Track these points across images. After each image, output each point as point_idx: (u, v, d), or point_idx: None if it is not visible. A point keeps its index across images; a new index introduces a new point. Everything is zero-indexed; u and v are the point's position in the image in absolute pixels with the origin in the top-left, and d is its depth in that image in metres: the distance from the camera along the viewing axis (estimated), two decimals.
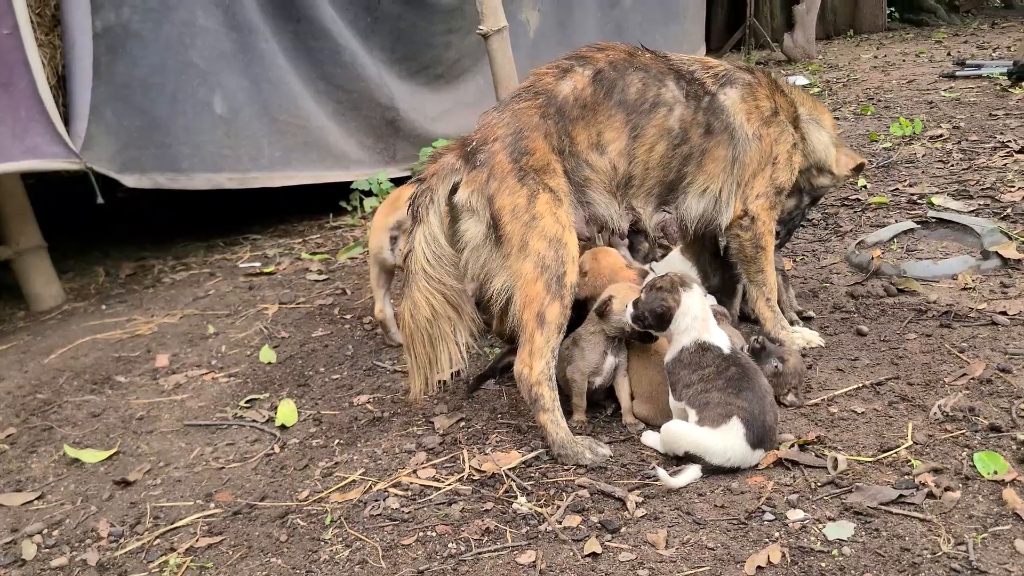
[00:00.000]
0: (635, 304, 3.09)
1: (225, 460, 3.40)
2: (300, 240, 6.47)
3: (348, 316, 4.73)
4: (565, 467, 3.04)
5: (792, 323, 3.77)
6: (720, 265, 3.89)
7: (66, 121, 5.23)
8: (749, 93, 3.44)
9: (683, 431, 2.91)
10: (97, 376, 4.33)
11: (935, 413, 3.03)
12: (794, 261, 4.57)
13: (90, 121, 5.27)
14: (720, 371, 2.92)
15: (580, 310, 3.38)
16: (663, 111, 3.28)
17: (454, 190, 3.16)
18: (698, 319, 3.01)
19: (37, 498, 3.28)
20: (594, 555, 2.55)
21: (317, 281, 5.42)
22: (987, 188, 5.25)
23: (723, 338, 3.02)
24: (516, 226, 3.06)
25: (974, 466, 2.71)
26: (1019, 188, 5.14)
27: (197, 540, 2.88)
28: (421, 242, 3.17)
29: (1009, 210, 4.80)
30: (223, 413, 3.79)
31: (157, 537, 2.93)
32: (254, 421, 3.67)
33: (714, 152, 3.38)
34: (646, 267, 3.73)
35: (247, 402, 3.86)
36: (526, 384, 3.11)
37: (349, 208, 6.85)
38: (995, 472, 2.67)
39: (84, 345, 4.77)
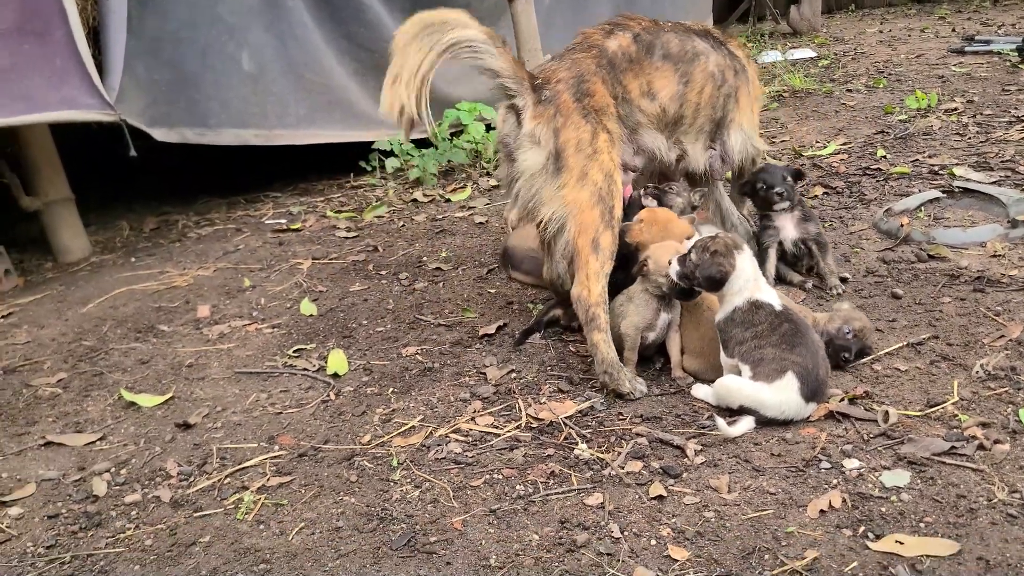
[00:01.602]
0: (681, 261, 3.17)
1: (282, 406, 3.48)
2: (322, 199, 6.51)
3: (383, 272, 4.80)
4: (621, 416, 3.14)
5: (833, 288, 3.90)
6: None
7: (100, 73, 5.24)
8: (739, 43, 4.06)
9: (739, 385, 3.01)
10: (140, 325, 4.39)
11: (977, 372, 3.15)
12: (823, 227, 4.66)
13: (124, 74, 5.28)
14: (774, 327, 3.01)
15: (630, 265, 3.48)
16: (703, 59, 3.71)
17: (518, 119, 3.40)
18: (751, 280, 3.10)
19: (99, 439, 3.36)
20: (659, 498, 2.66)
21: (347, 238, 5.47)
22: (1007, 160, 5.35)
23: (773, 295, 3.12)
24: (579, 158, 3.33)
25: (1020, 421, 2.83)
26: None
27: (268, 479, 2.97)
28: None
29: None
30: (272, 362, 3.87)
31: (227, 476, 3.02)
32: (305, 369, 3.75)
33: (741, 89, 3.91)
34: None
35: (295, 352, 3.93)
36: (584, 305, 3.32)
37: (369, 168, 6.89)
38: None
39: (122, 295, 4.81)
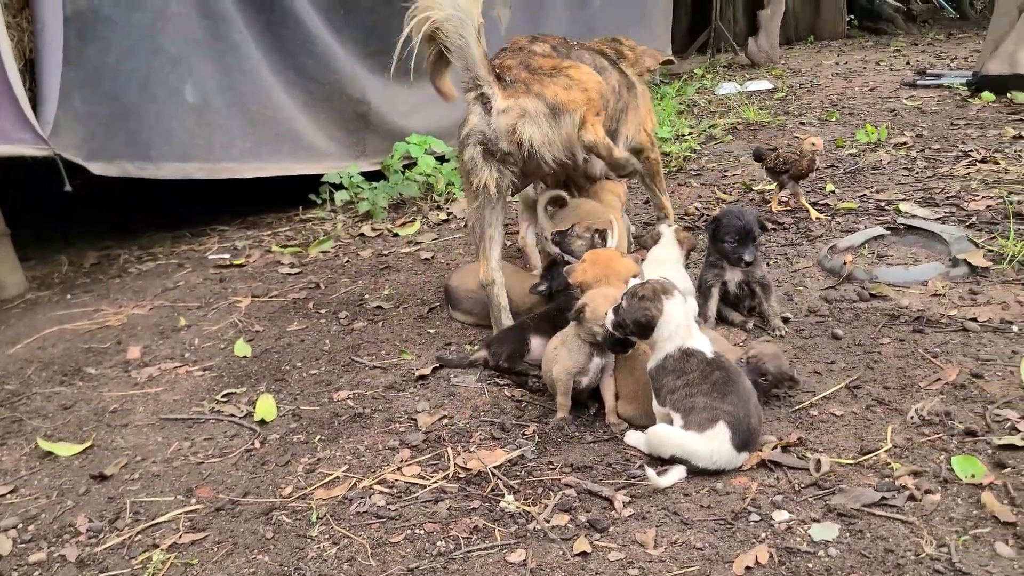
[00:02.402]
0: (615, 311, 3.11)
1: (204, 455, 3.36)
2: (269, 232, 6.40)
3: (323, 310, 4.69)
4: (551, 464, 3.05)
5: (776, 329, 3.86)
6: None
7: (33, 106, 5.12)
8: (631, 63, 4.52)
9: (669, 435, 2.94)
10: (67, 367, 4.24)
11: (912, 417, 3.11)
12: (768, 264, 4.63)
13: (58, 107, 5.16)
14: (705, 376, 2.95)
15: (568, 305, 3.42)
16: (607, 74, 4.09)
17: (485, 106, 3.69)
18: (681, 326, 3.04)
19: (10, 491, 3.21)
20: (584, 554, 2.57)
21: (290, 274, 5.36)
22: (952, 196, 5.37)
23: (705, 343, 3.06)
24: (571, 94, 3.70)
25: (952, 469, 2.78)
26: (983, 197, 5.26)
27: (180, 536, 2.84)
28: None
29: (974, 218, 4.91)
30: (199, 407, 3.74)
31: (138, 533, 2.89)
32: (232, 416, 3.63)
33: (631, 105, 4.33)
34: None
35: (224, 396, 3.81)
36: (598, 139, 3.78)
37: (319, 201, 6.79)
38: (973, 476, 2.74)
39: (51, 335, 4.67)
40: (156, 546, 2.80)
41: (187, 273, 5.61)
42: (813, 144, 5.17)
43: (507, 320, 3.97)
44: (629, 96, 4.30)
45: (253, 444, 3.39)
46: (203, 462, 3.31)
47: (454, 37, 3.53)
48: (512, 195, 4.13)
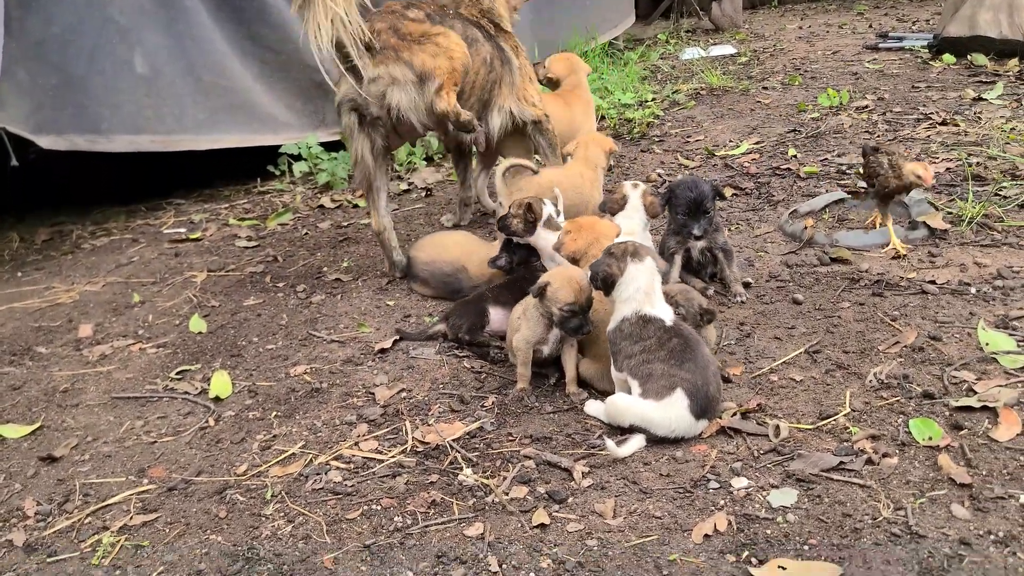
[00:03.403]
0: (591, 266, 3.09)
1: (157, 434, 3.29)
2: (227, 205, 6.28)
3: (281, 284, 4.61)
4: (510, 436, 3.02)
5: (737, 295, 3.84)
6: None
7: None
8: (509, 35, 4.59)
9: (627, 404, 2.91)
10: (16, 347, 4.14)
11: (871, 381, 3.10)
12: (729, 230, 4.61)
13: (2, 80, 5.00)
14: (662, 343, 2.92)
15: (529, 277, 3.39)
16: (479, 46, 4.26)
17: (356, 76, 3.88)
18: (641, 291, 3.00)
19: None
20: (542, 526, 2.55)
21: (247, 248, 5.26)
22: (912, 159, 5.36)
23: (666, 311, 3.02)
24: (439, 60, 3.92)
25: (910, 432, 2.78)
26: (942, 159, 5.26)
27: (131, 518, 2.78)
28: None
29: (934, 181, 4.91)
30: (153, 385, 3.66)
31: (88, 515, 2.83)
32: (186, 393, 3.56)
33: (505, 78, 4.48)
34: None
35: (178, 374, 3.74)
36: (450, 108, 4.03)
37: (277, 173, 6.67)
38: (930, 438, 2.74)
39: (0, 314, 4.55)
40: (106, 528, 2.74)
41: (142, 248, 5.49)
42: (917, 176, 4.09)
43: (399, 258, 4.38)
44: (503, 69, 4.46)
45: (207, 422, 3.33)
46: (156, 441, 3.24)
47: (323, 21, 3.69)
48: (388, 152, 4.35)
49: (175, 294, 4.63)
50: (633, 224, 3.95)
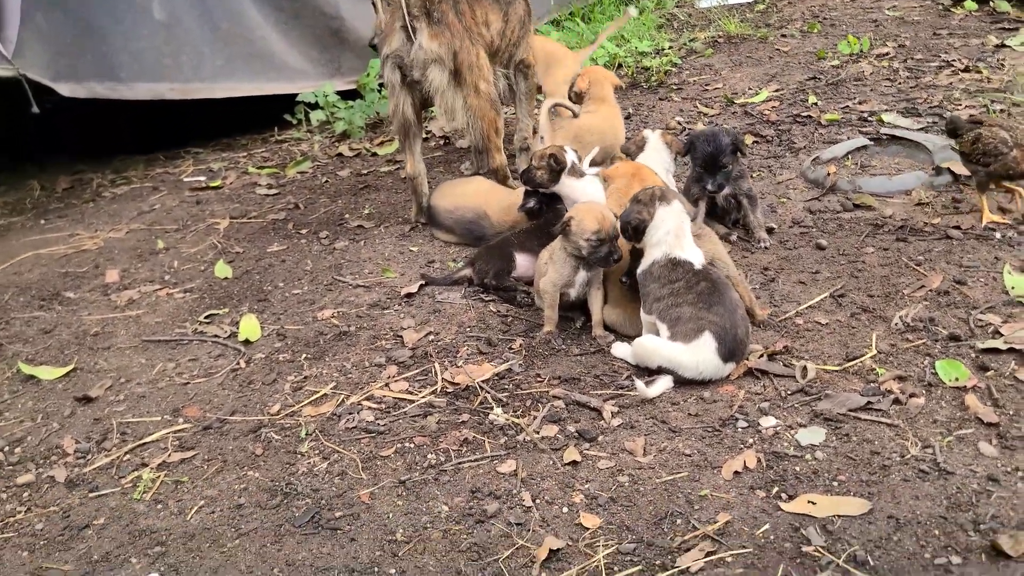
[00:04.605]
0: (621, 216, 3.11)
1: (189, 376, 3.34)
2: (245, 154, 6.27)
3: (303, 231, 4.63)
4: (539, 377, 3.06)
5: (760, 241, 3.85)
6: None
7: None
8: None
9: (655, 346, 2.94)
10: (44, 292, 4.18)
11: (896, 324, 3.12)
12: (751, 177, 4.59)
13: (21, 27, 4.98)
14: (691, 286, 2.94)
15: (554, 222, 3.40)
16: (516, 5, 4.43)
17: (408, 36, 3.95)
18: (671, 234, 3.02)
19: None
20: (574, 463, 2.60)
21: (268, 195, 5.27)
22: (934, 106, 5.32)
23: (696, 253, 3.04)
24: (471, 75, 4.07)
25: (936, 373, 2.81)
26: (966, 106, 5.22)
27: (169, 455, 2.84)
28: None
29: None
30: (182, 329, 3.71)
31: (126, 453, 2.89)
32: (216, 336, 3.60)
33: (529, 35, 4.65)
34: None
35: (206, 318, 3.78)
36: (501, 165, 4.36)
37: (294, 121, 6.64)
38: (956, 379, 2.77)
39: (27, 260, 4.59)
40: (145, 465, 2.81)
41: (162, 196, 5.50)
42: None
43: (424, 203, 4.45)
44: (529, 23, 4.63)
45: (238, 364, 3.37)
46: (188, 383, 3.29)
47: None
48: (427, 106, 4.40)
49: (199, 241, 4.66)
50: (656, 168, 3.96)
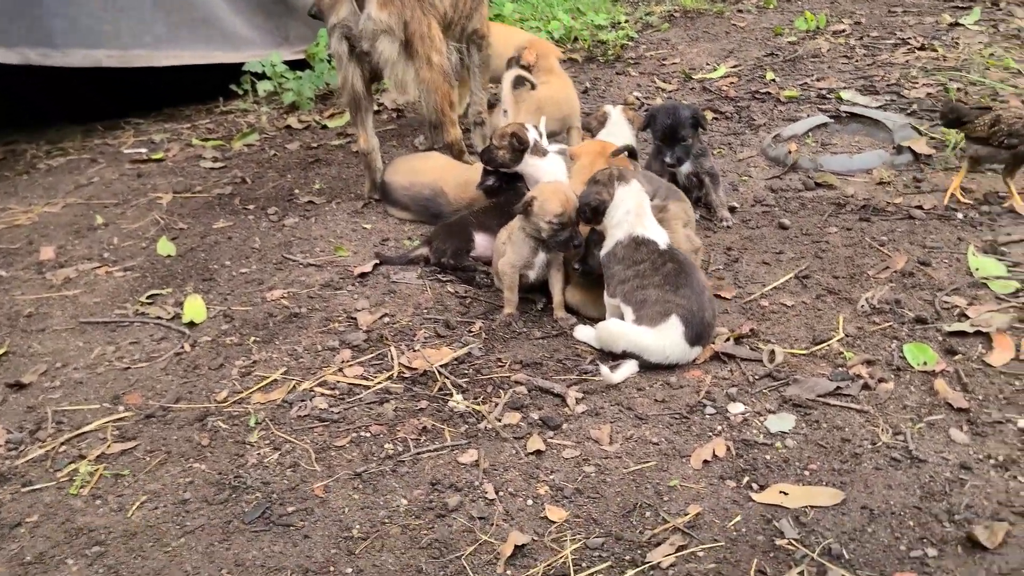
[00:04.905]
0: (580, 197, 3.01)
1: (130, 360, 3.17)
2: (188, 125, 6.03)
3: (251, 206, 4.44)
4: (499, 362, 2.95)
5: (723, 220, 3.78)
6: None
7: None
8: None
9: (621, 330, 2.85)
10: None
11: (862, 306, 3.07)
12: (712, 154, 4.52)
13: None
14: (656, 267, 2.85)
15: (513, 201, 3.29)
16: None
17: (357, 4, 3.77)
18: (631, 213, 2.94)
19: None
20: (538, 452, 2.50)
21: (213, 169, 5.06)
22: (892, 84, 5.30)
23: (659, 233, 2.95)
24: (423, 47, 3.89)
25: (904, 357, 2.77)
26: (923, 84, 5.20)
27: (108, 446, 2.68)
28: None
29: (915, 106, 4.86)
30: (123, 310, 3.52)
31: (62, 444, 2.72)
32: (158, 318, 3.43)
33: (483, 5, 4.45)
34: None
35: (148, 298, 3.59)
36: (456, 139, 4.21)
37: (241, 92, 6.40)
38: (925, 363, 2.73)
39: None
40: (82, 457, 2.64)
41: (101, 169, 5.25)
42: None
43: (378, 179, 4.27)
44: None
45: (183, 347, 3.21)
46: (129, 367, 3.12)
47: None
48: (377, 78, 4.22)
49: (140, 216, 4.45)
50: (617, 143, 3.87)
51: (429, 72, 3.95)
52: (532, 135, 3.56)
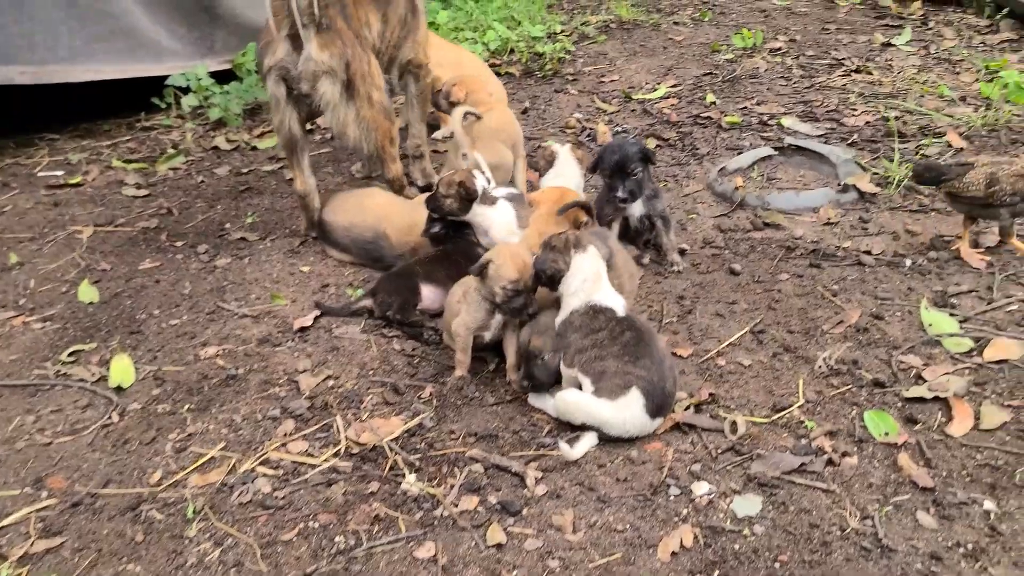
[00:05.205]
0: (534, 263, 2.89)
1: (52, 432, 2.94)
2: (108, 143, 5.70)
3: (179, 243, 4.21)
4: (452, 434, 2.82)
5: (673, 264, 3.71)
6: None
7: None
8: None
9: (579, 401, 2.74)
10: None
11: (820, 367, 3.03)
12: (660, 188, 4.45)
13: None
14: (615, 336, 2.76)
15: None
16: (394, 5, 4.10)
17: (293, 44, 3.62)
18: (588, 281, 2.84)
19: None
20: (499, 546, 2.38)
21: (136, 197, 4.79)
22: (831, 110, 5.32)
23: (617, 300, 2.85)
24: (364, 86, 3.74)
25: (865, 427, 2.73)
26: (861, 112, 5.23)
27: (32, 543, 2.47)
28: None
29: (856, 136, 4.88)
30: (42, 369, 3.28)
31: None
32: (82, 381, 3.20)
33: (413, 32, 4.29)
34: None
35: (70, 355, 3.36)
36: (397, 175, 4.08)
37: (163, 106, 6.10)
38: (886, 434, 2.69)
39: None
40: (4, 557, 2.42)
41: (13, 196, 4.92)
42: None
43: (315, 217, 4.09)
44: (413, 22, 4.30)
45: (110, 417, 2.99)
46: (51, 442, 2.89)
47: None
48: (313, 117, 4.17)
49: (59, 254, 4.17)
50: (567, 183, 3.77)
51: (370, 111, 3.79)
52: (480, 183, 3.43)
